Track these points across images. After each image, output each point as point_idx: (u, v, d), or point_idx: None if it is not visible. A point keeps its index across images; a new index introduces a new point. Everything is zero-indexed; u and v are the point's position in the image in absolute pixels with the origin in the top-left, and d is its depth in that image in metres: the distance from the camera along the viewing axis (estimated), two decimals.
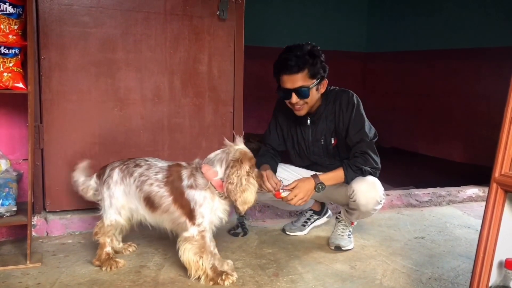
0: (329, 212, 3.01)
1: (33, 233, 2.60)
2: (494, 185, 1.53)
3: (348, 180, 2.40)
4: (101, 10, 2.69)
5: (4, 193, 2.30)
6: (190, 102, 2.95)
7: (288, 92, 2.40)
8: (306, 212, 2.93)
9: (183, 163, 2.21)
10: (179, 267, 2.30)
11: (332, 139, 2.54)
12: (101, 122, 2.76)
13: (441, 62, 5.53)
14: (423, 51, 5.75)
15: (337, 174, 2.40)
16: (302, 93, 2.37)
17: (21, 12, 2.20)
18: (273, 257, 2.49)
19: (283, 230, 2.90)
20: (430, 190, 3.74)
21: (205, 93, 2.98)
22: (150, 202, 2.16)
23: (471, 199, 3.79)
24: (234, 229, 2.86)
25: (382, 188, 2.46)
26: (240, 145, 2.13)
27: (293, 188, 2.35)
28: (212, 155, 2.15)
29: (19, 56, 2.23)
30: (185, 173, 2.14)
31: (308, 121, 2.55)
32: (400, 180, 4.18)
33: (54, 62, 2.62)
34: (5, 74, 2.18)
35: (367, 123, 2.46)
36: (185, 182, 2.12)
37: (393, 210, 3.46)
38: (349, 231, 2.68)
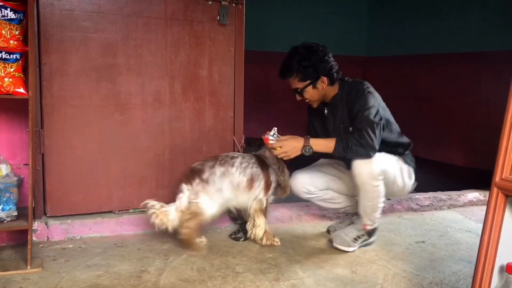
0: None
1: (34, 238, 2.59)
2: (494, 190, 1.53)
3: (334, 152, 2.50)
4: (102, 15, 2.70)
5: (4, 198, 2.30)
6: (191, 107, 2.96)
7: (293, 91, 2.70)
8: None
9: (256, 153, 2.82)
10: (180, 272, 2.31)
11: (350, 128, 2.62)
12: (102, 126, 2.77)
13: (441, 66, 5.54)
14: (423, 55, 5.75)
15: (327, 143, 2.52)
16: (299, 93, 2.66)
17: (22, 18, 2.21)
18: (274, 261, 2.49)
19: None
20: (431, 194, 3.73)
21: (205, 97, 2.99)
22: (251, 181, 2.64)
23: (472, 203, 3.79)
24: (235, 233, 2.86)
25: (380, 166, 2.52)
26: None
27: (282, 140, 2.54)
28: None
29: (20, 61, 2.23)
30: (263, 158, 2.74)
31: (326, 111, 2.75)
32: None
33: (55, 67, 2.63)
34: (6, 79, 2.18)
35: (374, 108, 2.52)
36: (268, 163, 2.73)
37: (394, 214, 3.45)
38: (357, 236, 2.68)
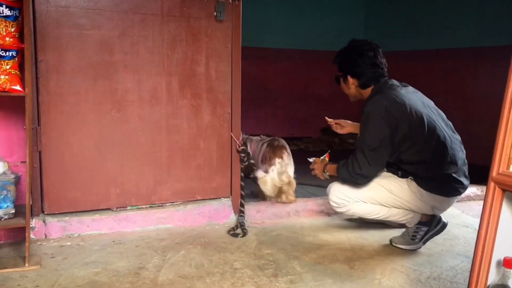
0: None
1: (32, 236, 2.59)
2: (491, 184, 1.54)
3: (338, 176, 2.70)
4: (98, 12, 2.69)
5: (2, 196, 2.30)
6: (188, 103, 2.95)
7: None
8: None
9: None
10: (178, 268, 2.31)
11: None
12: (99, 124, 2.76)
13: (438, 61, 5.54)
14: (420, 51, 5.75)
15: (335, 168, 2.71)
16: (335, 80, 2.84)
17: (18, 15, 2.20)
18: (272, 257, 2.49)
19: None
20: None
21: (202, 94, 2.98)
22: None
23: (469, 198, 3.80)
24: (234, 229, 2.87)
25: (338, 192, 2.67)
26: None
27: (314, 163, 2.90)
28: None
29: (16, 59, 2.23)
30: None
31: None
32: None
33: (51, 64, 2.62)
34: (2, 76, 2.17)
35: (369, 132, 2.52)
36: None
37: None
38: (412, 232, 2.64)
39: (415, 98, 2.65)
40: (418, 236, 2.64)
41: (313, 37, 6.26)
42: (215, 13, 2.93)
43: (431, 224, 2.65)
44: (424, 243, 2.65)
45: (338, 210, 2.75)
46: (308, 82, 6.37)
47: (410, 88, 2.76)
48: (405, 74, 5.99)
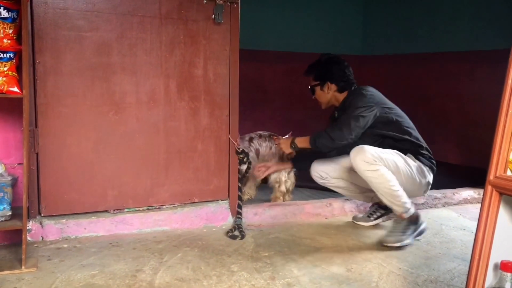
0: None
1: (28, 238, 2.58)
2: (489, 187, 1.54)
3: (310, 145, 2.99)
4: (96, 14, 2.69)
5: None
6: (186, 106, 2.95)
7: None
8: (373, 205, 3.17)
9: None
10: (175, 271, 2.30)
11: None
12: (97, 126, 2.76)
13: (435, 64, 5.56)
14: (418, 54, 5.77)
15: (306, 138, 3.02)
16: (311, 91, 3.20)
17: (15, 16, 2.20)
18: (269, 260, 2.49)
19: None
20: None
21: (200, 96, 2.98)
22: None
23: (466, 201, 3.80)
24: (232, 231, 2.87)
25: (374, 152, 2.69)
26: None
27: (279, 142, 3.24)
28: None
29: (14, 60, 2.22)
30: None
31: (336, 114, 3.13)
32: None
33: (49, 66, 2.61)
34: (0, 78, 2.17)
35: (359, 109, 2.86)
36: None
37: None
38: (403, 228, 2.72)
39: (384, 97, 3.08)
40: (408, 232, 2.72)
41: (311, 40, 6.27)
42: (213, 16, 2.93)
43: (417, 223, 2.77)
44: (413, 239, 2.76)
45: (368, 168, 2.69)
46: (306, 84, 6.37)
47: (376, 90, 3.10)
48: (403, 77, 6.03)
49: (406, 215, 2.74)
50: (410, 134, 2.95)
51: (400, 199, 2.73)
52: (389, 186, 2.71)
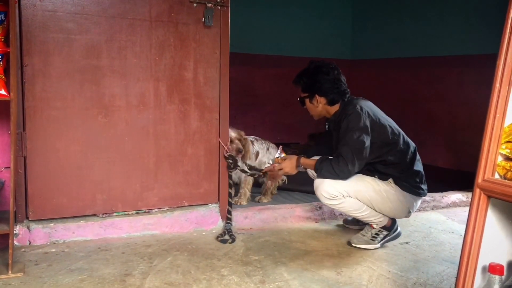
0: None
1: (15, 242, 2.55)
2: (477, 191, 1.55)
3: (315, 171, 2.73)
4: (85, 17, 2.67)
5: None
6: (176, 109, 2.94)
7: None
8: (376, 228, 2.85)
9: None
10: (165, 275, 2.29)
11: None
12: (86, 129, 2.74)
13: (424, 69, 5.60)
14: (407, 58, 5.81)
15: (312, 163, 2.75)
16: (300, 102, 2.94)
17: (3, 18, 2.18)
18: (260, 264, 2.49)
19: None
20: None
21: (190, 99, 2.98)
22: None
23: (455, 205, 3.84)
24: (222, 235, 2.86)
25: (331, 185, 2.64)
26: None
27: (284, 159, 2.90)
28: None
29: (1, 63, 2.20)
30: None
31: (327, 126, 3.00)
32: None
33: (37, 68, 2.59)
34: None
35: (357, 133, 2.63)
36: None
37: None
38: (375, 233, 2.80)
39: (378, 109, 2.87)
40: (378, 238, 2.80)
41: (301, 44, 6.28)
42: (203, 19, 2.93)
43: (391, 229, 2.84)
44: (382, 245, 2.81)
45: (330, 202, 2.70)
46: (296, 89, 6.38)
47: (369, 102, 2.89)
48: (392, 81, 6.07)
49: (375, 226, 2.81)
50: (401, 158, 2.76)
51: (368, 219, 2.79)
52: (355, 214, 2.78)
